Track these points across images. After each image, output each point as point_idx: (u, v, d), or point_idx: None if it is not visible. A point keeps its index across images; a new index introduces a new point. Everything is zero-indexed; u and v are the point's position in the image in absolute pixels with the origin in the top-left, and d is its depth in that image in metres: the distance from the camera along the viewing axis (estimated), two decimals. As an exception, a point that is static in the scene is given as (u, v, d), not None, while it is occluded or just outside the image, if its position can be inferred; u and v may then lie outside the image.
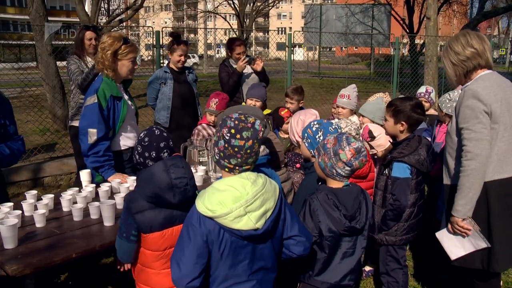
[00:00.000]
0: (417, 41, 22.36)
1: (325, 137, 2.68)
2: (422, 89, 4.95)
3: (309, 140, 2.79)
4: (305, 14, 28.01)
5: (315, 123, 2.82)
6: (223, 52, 25.26)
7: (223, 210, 1.90)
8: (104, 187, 3.08)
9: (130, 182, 3.22)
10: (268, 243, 2.06)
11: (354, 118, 4.45)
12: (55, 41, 9.69)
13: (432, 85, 11.12)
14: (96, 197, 3.10)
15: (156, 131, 2.43)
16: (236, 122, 1.99)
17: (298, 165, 3.44)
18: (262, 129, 2.03)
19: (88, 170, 3.32)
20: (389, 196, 3.18)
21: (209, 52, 32.07)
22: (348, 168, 2.38)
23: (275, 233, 2.09)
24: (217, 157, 2.04)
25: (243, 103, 5.09)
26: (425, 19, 11.83)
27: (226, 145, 1.99)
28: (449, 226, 2.82)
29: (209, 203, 1.93)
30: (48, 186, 6.67)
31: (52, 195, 2.96)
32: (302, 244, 2.16)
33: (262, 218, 1.97)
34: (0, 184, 3.23)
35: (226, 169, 2.04)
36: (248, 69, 5.50)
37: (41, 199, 2.90)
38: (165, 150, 2.38)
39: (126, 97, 3.66)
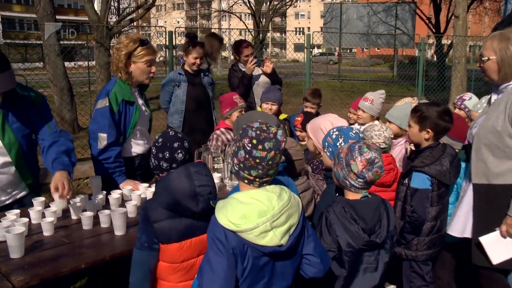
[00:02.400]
0: (444, 41, 22.15)
1: (346, 144, 2.66)
2: (465, 96, 4.76)
3: (330, 149, 2.77)
4: (324, 14, 28.03)
5: (335, 130, 2.80)
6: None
7: (248, 225, 1.89)
8: (115, 194, 3.09)
9: (142, 189, 3.24)
10: (288, 261, 2.05)
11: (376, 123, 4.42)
12: (64, 41, 9.82)
13: (460, 88, 11.01)
14: (107, 205, 3.11)
15: (170, 132, 2.45)
16: (258, 132, 1.98)
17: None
18: (284, 139, 2.02)
19: (99, 177, 3.34)
20: (408, 208, 3.15)
21: (223, 53, 32.20)
22: (361, 180, 2.35)
23: (297, 250, 2.08)
24: (236, 168, 2.04)
25: (258, 108, 5.09)
26: (453, 17, 11.74)
27: (247, 156, 1.98)
28: (504, 228, 2.79)
29: (232, 216, 1.91)
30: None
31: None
32: (316, 266, 2.12)
33: (286, 234, 1.96)
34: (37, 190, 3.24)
35: (246, 181, 2.03)
36: (258, 71, 5.52)
37: (49, 206, 2.92)
38: (179, 151, 2.38)
39: (140, 102, 3.69)
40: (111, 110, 3.38)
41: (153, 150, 2.43)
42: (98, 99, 3.45)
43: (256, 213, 1.90)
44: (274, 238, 1.92)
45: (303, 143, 4.28)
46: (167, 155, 2.37)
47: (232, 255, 1.92)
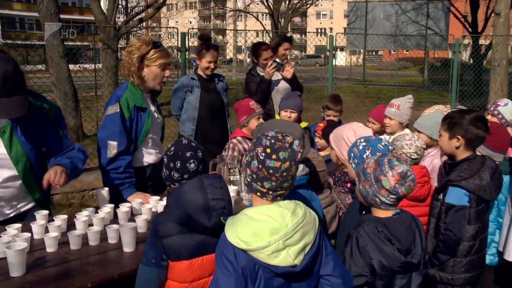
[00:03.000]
0: (481, 42, 21.88)
1: (371, 157, 2.64)
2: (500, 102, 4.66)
3: (356, 161, 2.76)
4: (348, 13, 28.00)
5: (362, 140, 2.78)
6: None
7: (259, 243, 1.89)
8: (124, 208, 3.11)
9: (153, 202, 3.25)
10: (304, 282, 2.04)
11: (406, 131, 4.40)
12: (68, 42, 9.94)
13: (500, 94, 10.86)
14: (115, 219, 3.13)
15: (183, 141, 2.48)
16: (273, 140, 1.99)
17: (349, 185, 3.40)
18: (301, 150, 2.03)
19: (106, 189, 3.37)
20: (442, 226, 3.10)
21: (239, 56, 32.34)
22: (394, 196, 2.33)
23: (313, 271, 2.06)
24: (248, 179, 2.05)
25: (276, 116, 5.09)
26: (493, 15, 11.61)
27: (260, 166, 1.99)
28: None
29: (242, 234, 1.92)
30: (58, 205, 6.80)
31: (65, 216, 3.01)
32: (337, 287, 2.10)
33: (301, 253, 1.96)
34: (47, 200, 3.30)
35: (258, 193, 2.03)
36: (277, 76, 5.53)
37: (53, 220, 2.95)
38: (191, 161, 2.39)
39: (152, 108, 3.72)
40: (122, 116, 3.42)
41: (165, 160, 2.45)
42: (108, 104, 3.49)
43: (268, 230, 1.91)
44: (287, 257, 1.92)
45: (322, 153, 4.27)
46: (179, 164, 2.39)
47: (241, 275, 1.92)
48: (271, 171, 1.97)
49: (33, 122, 3.05)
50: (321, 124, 4.49)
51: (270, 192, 2.01)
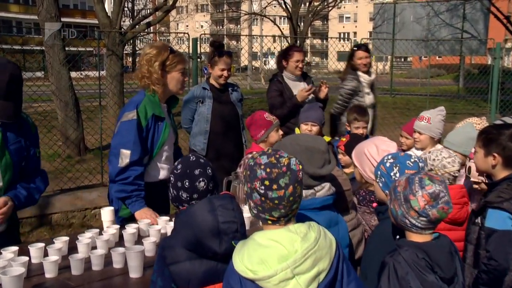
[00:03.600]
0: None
1: (402, 174, 2.64)
2: None
3: (383, 179, 2.75)
4: (374, 16, 28.01)
5: (389, 157, 2.78)
6: (271, 63, 25.46)
7: (266, 272, 1.90)
8: (130, 229, 3.13)
9: (162, 223, 3.27)
10: None
11: (439, 148, 4.37)
12: (68, 46, 10.02)
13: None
14: (120, 241, 3.15)
15: (191, 157, 2.50)
16: (268, 169, 1.99)
17: (375, 204, 3.39)
18: (300, 167, 2.04)
19: (111, 208, 3.39)
20: (483, 253, 3.04)
21: (254, 63, 32.44)
22: (424, 219, 2.31)
23: None
24: (254, 212, 2.06)
25: (296, 129, 5.09)
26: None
27: (263, 199, 2.00)
28: None
29: (249, 262, 1.93)
30: (57, 225, 6.84)
31: (66, 238, 3.03)
32: None
33: (314, 281, 1.95)
34: (14, 228, 3.32)
35: (269, 222, 2.05)
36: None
37: (53, 242, 2.96)
38: (201, 179, 2.41)
39: (170, 119, 3.82)
40: (138, 124, 3.51)
41: (172, 179, 2.46)
42: (125, 110, 3.59)
43: (275, 258, 1.91)
44: (297, 287, 1.91)
45: (347, 171, 4.26)
46: (187, 184, 2.40)
47: None
48: (276, 201, 1.98)
49: (20, 133, 3.13)
50: (344, 139, 4.49)
51: (282, 219, 2.03)
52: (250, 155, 4.30)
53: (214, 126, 5.06)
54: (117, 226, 3.24)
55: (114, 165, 3.50)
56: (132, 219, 3.52)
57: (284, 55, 5.66)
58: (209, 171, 2.46)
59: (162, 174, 3.75)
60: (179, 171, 2.44)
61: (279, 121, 4.64)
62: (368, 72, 6.06)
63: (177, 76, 3.68)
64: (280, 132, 4.46)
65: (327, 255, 2.01)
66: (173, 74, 3.66)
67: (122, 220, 3.61)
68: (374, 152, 3.24)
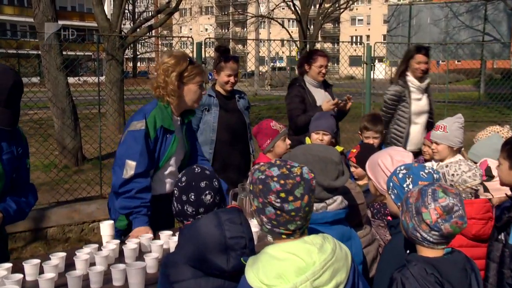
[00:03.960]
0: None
1: (415, 185, 2.63)
2: None
3: (395, 191, 2.75)
4: (388, 18, 28.02)
5: (402, 168, 2.79)
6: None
7: (285, 286, 1.90)
8: (131, 244, 3.13)
9: (164, 238, 3.27)
10: None
11: (457, 159, 4.36)
12: (66, 51, 10.06)
13: None
14: (121, 257, 3.14)
15: (196, 169, 2.50)
16: (282, 181, 2.00)
17: (390, 218, 3.39)
18: (312, 175, 2.05)
19: (111, 222, 3.40)
20: (507, 273, 3.02)
21: (261, 68, 32.49)
22: (436, 233, 2.30)
23: None
24: (268, 227, 2.06)
25: (307, 139, 5.09)
26: None
27: (279, 212, 2.00)
28: None
29: (265, 276, 1.93)
30: (52, 239, 6.85)
31: (62, 254, 3.03)
32: None
33: None
34: (2, 243, 3.34)
35: (284, 236, 2.05)
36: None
37: (49, 258, 2.96)
38: (207, 192, 2.41)
39: (180, 135, 3.81)
40: (146, 135, 3.53)
41: (176, 192, 2.46)
42: (133, 119, 3.61)
43: (293, 271, 1.92)
44: None
45: (360, 183, 4.25)
46: (193, 197, 2.40)
47: None
48: (293, 213, 2.00)
49: (13, 142, 3.15)
50: (354, 150, 4.48)
51: (297, 231, 2.04)
52: (255, 167, 4.34)
53: (221, 136, 5.07)
54: (117, 241, 3.24)
55: (118, 175, 3.51)
56: (129, 231, 3.55)
57: (307, 59, 5.66)
58: (215, 183, 2.46)
59: (165, 188, 3.76)
60: (183, 183, 2.44)
61: (300, 129, 4.65)
62: (421, 78, 5.90)
63: (194, 88, 3.68)
64: (288, 141, 4.46)
65: (344, 267, 2.03)
66: (190, 86, 3.66)
67: (119, 232, 3.63)
68: (389, 163, 3.23)
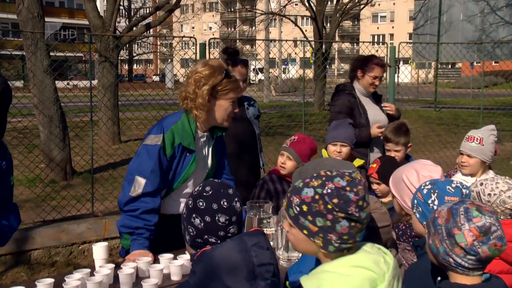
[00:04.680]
0: None
1: (441, 202, 2.64)
2: None
3: (419, 208, 2.76)
4: (415, 14, 28.01)
5: (427, 183, 2.81)
6: (292, 72, 25.39)
7: None
8: (127, 269, 3.13)
9: (165, 262, 3.27)
10: None
11: (491, 176, 4.34)
12: (54, 51, 10.08)
13: None
14: (115, 284, 3.14)
15: (214, 180, 2.54)
16: (355, 189, 2.06)
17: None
18: (361, 177, 2.13)
19: (105, 244, 3.41)
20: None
21: (273, 72, 32.46)
22: (472, 257, 2.28)
23: None
24: (336, 245, 2.08)
25: (323, 151, 5.09)
26: None
27: (353, 224, 2.05)
28: None
29: None
30: (37, 263, 6.85)
31: (50, 280, 3.01)
32: None
33: None
34: None
35: (345, 251, 2.10)
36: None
37: (34, 285, 2.95)
38: (236, 199, 2.44)
39: (203, 153, 3.83)
40: (162, 151, 3.56)
41: (201, 204, 2.43)
42: (151, 132, 3.64)
43: (368, 285, 1.98)
44: None
45: (384, 200, 4.25)
46: (225, 204, 2.40)
47: None
48: (365, 221, 2.09)
49: None
50: (374, 165, 4.48)
51: (356, 242, 2.12)
52: (266, 177, 4.35)
53: (228, 147, 5.02)
54: (112, 265, 3.24)
55: (125, 192, 3.55)
56: None
57: (362, 65, 5.65)
58: (237, 205, 2.45)
59: (177, 208, 3.76)
60: (209, 193, 2.43)
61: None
62: None
63: (225, 105, 3.68)
64: (287, 162, 4.47)
65: (399, 274, 2.12)
66: (221, 102, 3.65)
67: (123, 250, 3.71)
68: (414, 179, 3.24)
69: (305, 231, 2.09)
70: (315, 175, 2.15)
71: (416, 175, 3.26)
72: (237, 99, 3.77)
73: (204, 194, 2.43)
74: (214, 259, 2.22)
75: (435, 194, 2.71)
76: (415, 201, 2.79)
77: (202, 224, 2.40)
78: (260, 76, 32.09)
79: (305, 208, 2.08)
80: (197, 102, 3.57)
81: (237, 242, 2.26)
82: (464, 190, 2.73)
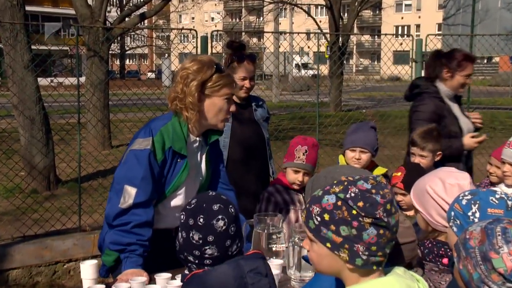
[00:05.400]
0: None
1: (483, 214, 2.62)
2: None
3: (457, 222, 2.74)
4: (445, 2, 27.94)
5: (467, 193, 2.78)
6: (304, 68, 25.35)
7: None
8: (120, 290, 3.14)
9: (161, 282, 3.28)
10: None
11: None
12: (36, 45, 10.06)
13: None
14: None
15: (210, 192, 2.58)
16: (381, 192, 2.08)
17: (445, 260, 3.37)
18: (387, 181, 2.17)
19: (94, 262, 3.42)
20: None
21: (282, 68, 32.39)
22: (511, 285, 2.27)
23: None
24: (364, 258, 2.09)
25: (340, 157, 5.09)
26: None
27: (382, 232, 2.07)
28: None
29: None
30: (15, 284, 6.87)
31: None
32: None
33: None
34: None
35: (374, 267, 2.12)
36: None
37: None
38: (220, 216, 2.43)
39: (197, 159, 3.83)
40: (152, 156, 3.53)
41: (182, 217, 2.48)
42: (138, 136, 3.62)
43: None
44: None
45: (409, 213, 4.25)
46: (201, 220, 2.44)
47: None
48: (394, 229, 2.10)
49: None
50: (399, 173, 4.46)
51: (386, 257, 2.13)
52: (271, 188, 4.35)
53: (233, 153, 5.09)
54: (102, 286, 3.25)
55: (113, 204, 3.51)
56: (116, 268, 3.58)
57: (449, 60, 5.46)
58: (232, 210, 2.51)
59: (168, 222, 3.76)
60: (192, 205, 2.48)
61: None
62: None
63: (219, 103, 3.66)
64: (304, 178, 4.47)
65: None
66: (214, 99, 3.63)
67: (104, 268, 3.66)
68: (440, 188, 3.22)
69: (328, 244, 2.09)
70: (335, 182, 2.15)
71: (442, 184, 3.23)
72: (232, 95, 3.76)
73: (187, 206, 2.52)
74: (206, 285, 2.26)
75: (476, 205, 2.68)
76: (452, 213, 2.76)
77: (181, 239, 2.49)
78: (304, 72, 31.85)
79: (326, 217, 2.08)
80: (186, 101, 3.56)
81: (233, 267, 2.29)
82: (509, 202, 2.69)
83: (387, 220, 2.05)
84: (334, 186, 2.13)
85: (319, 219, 2.09)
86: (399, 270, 2.12)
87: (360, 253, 2.07)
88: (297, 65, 35.03)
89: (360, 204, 2.05)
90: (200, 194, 2.56)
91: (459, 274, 2.39)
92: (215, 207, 2.45)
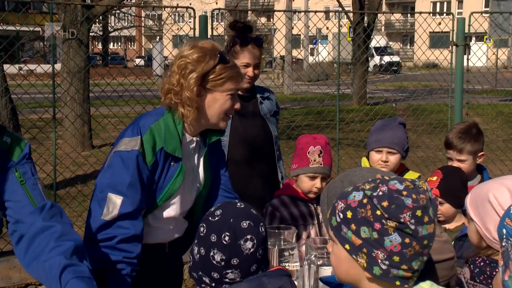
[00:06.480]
0: None
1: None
2: None
3: (510, 241, 2.76)
4: (492, -24, 27.94)
5: (522, 205, 2.78)
6: (322, 53, 25.23)
7: None
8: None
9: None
10: None
11: None
12: (1, 25, 10.09)
13: None
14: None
15: (238, 204, 2.61)
16: (414, 195, 2.12)
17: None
18: (428, 188, 2.19)
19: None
20: None
21: (295, 53, 32.40)
22: None
23: None
24: (383, 267, 2.13)
25: (363, 160, 5.10)
26: None
27: (408, 241, 2.10)
28: None
29: None
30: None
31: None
32: None
33: None
34: None
35: (398, 282, 2.16)
36: None
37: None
38: (248, 236, 2.47)
39: (195, 162, 3.83)
40: (141, 158, 3.49)
41: (202, 230, 2.50)
42: (124, 135, 3.57)
43: None
44: None
45: (449, 226, 4.27)
46: (227, 239, 2.46)
47: None
48: (425, 241, 2.14)
49: None
50: (435, 178, 4.45)
51: (415, 274, 2.17)
52: (275, 201, 4.37)
53: (235, 154, 5.13)
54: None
55: (95, 215, 3.45)
56: None
57: None
58: (262, 229, 2.54)
59: (163, 236, 3.80)
60: (216, 218, 2.50)
61: None
62: None
63: (222, 99, 3.62)
64: (322, 184, 4.47)
65: None
66: (215, 95, 3.59)
67: None
68: (507, 199, 3.15)
69: (347, 246, 2.13)
70: (370, 180, 2.19)
71: (510, 195, 3.18)
72: (237, 91, 3.73)
73: (210, 218, 2.50)
74: None
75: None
76: (504, 230, 2.69)
77: (197, 256, 2.49)
78: None
79: (349, 214, 2.12)
80: (183, 96, 3.52)
81: (254, 285, 2.33)
82: None
83: (415, 228, 2.08)
84: (366, 184, 2.17)
85: (341, 216, 2.14)
86: (425, 284, 2.17)
87: (379, 260, 2.11)
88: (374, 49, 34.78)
89: (385, 203, 2.09)
90: (225, 204, 2.53)
91: (503, 286, 2.44)
92: (244, 224, 2.46)
